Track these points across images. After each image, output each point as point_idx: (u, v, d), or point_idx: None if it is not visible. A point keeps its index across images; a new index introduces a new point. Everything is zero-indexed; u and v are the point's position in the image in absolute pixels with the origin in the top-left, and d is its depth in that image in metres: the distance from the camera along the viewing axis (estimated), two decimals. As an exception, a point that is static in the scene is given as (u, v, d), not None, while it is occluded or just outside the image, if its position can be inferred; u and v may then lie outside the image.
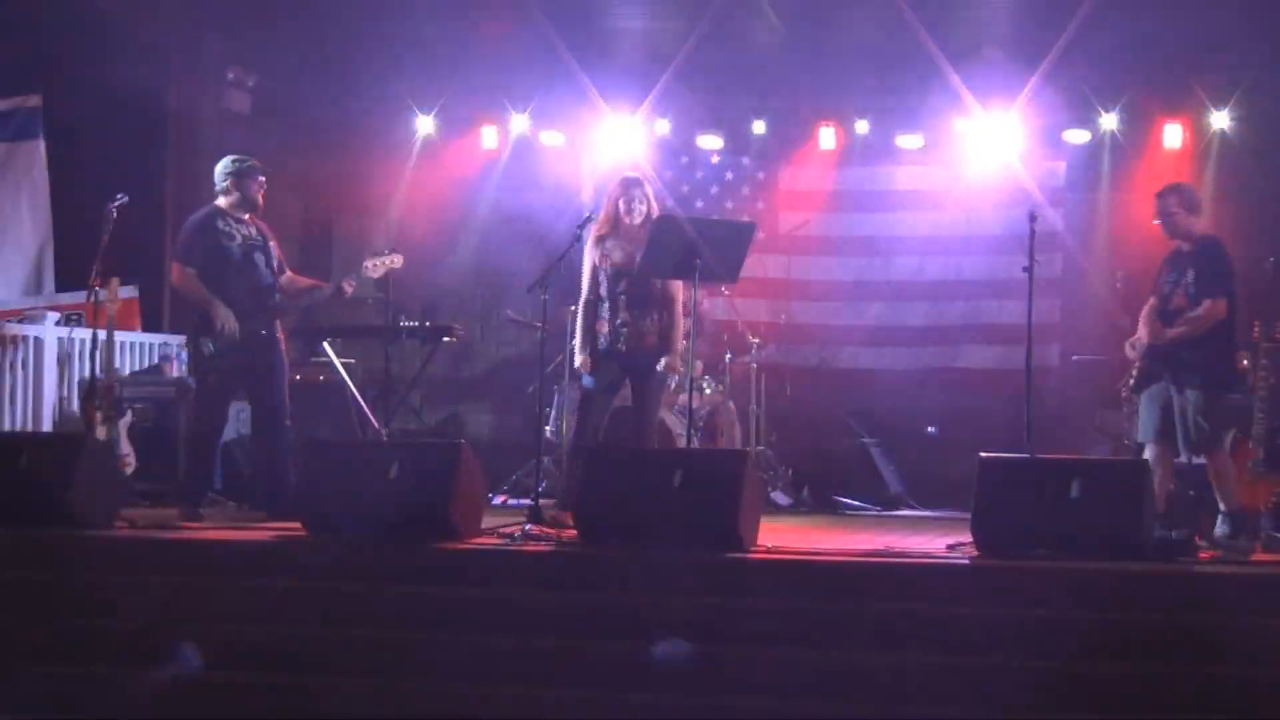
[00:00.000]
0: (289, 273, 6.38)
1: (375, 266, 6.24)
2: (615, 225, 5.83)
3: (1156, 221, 5.73)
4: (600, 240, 5.87)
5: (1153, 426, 5.60)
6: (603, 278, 5.86)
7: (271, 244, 6.24)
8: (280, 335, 6.20)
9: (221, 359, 5.91)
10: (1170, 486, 5.67)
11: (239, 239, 6.07)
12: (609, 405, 6.06)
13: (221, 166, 6.14)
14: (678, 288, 5.98)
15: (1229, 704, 3.84)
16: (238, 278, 6.02)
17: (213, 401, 6.10)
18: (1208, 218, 7.40)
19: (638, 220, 5.80)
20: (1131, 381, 5.77)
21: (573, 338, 6.19)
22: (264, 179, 6.18)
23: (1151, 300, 5.78)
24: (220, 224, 6.04)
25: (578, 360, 5.93)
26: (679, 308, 5.96)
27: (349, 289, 6.32)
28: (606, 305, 5.85)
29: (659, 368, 5.85)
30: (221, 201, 6.11)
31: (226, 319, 5.87)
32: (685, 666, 4.02)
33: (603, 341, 5.83)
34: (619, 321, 5.81)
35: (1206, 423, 5.41)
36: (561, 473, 6.72)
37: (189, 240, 6.09)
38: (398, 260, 6.31)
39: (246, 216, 6.14)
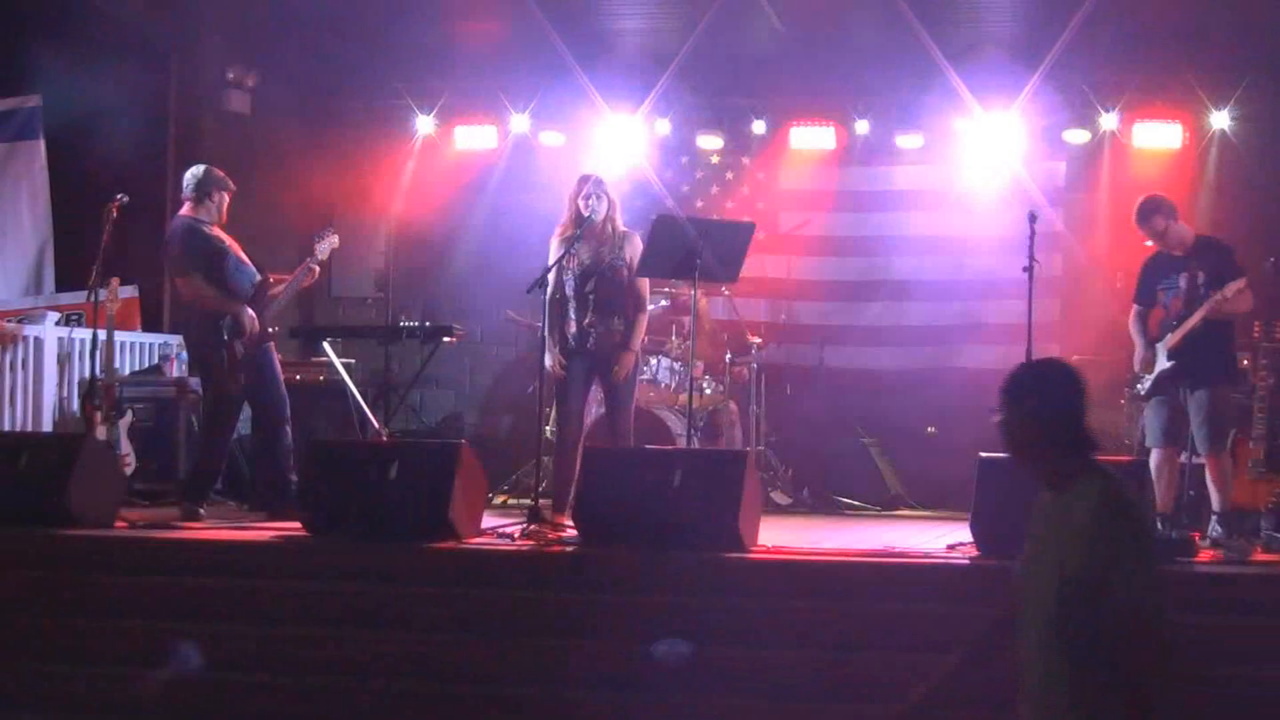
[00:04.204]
0: None
1: (322, 250, 6.25)
2: (578, 224, 5.80)
3: (1149, 243, 5.80)
4: (565, 239, 5.83)
5: (1161, 431, 5.65)
6: (568, 277, 5.84)
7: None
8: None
9: (246, 359, 5.91)
10: (1176, 490, 5.69)
11: (226, 242, 6.07)
12: (584, 399, 6.04)
13: (203, 174, 6.05)
14: (644, 287, 5.98)
15: (1231, 705, 3.84)
16: (238, 276, 6.02)
17: (234, 403, 6.07)
18: (1206, 217, 7.43)
19: (599, 217, 5.77)
20: (1143, 388, 5.78)
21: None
22: (230, 195, 6.14)
23: (1136, 308, 5.86)
24: (205, 229, 6.00)
25: (547, 361, 5.89)
26: (645, 307, 5.98)
27: (314, 273, 6.29)
28: (573, 305, 5.84)
29: (614, 376, 5.82)
30: (192, 210, 6.03)
31: (252, 320, 5.88)
32: (684, 665, 4.02)
33: (571, 341, 5.83)
34: (586, 321, 5.80)
35: (1222, 419, 5.50)
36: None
37: (189, 249, 5.97)
38: (336, 240, 6.35)
39: (214, 224, 6.09)
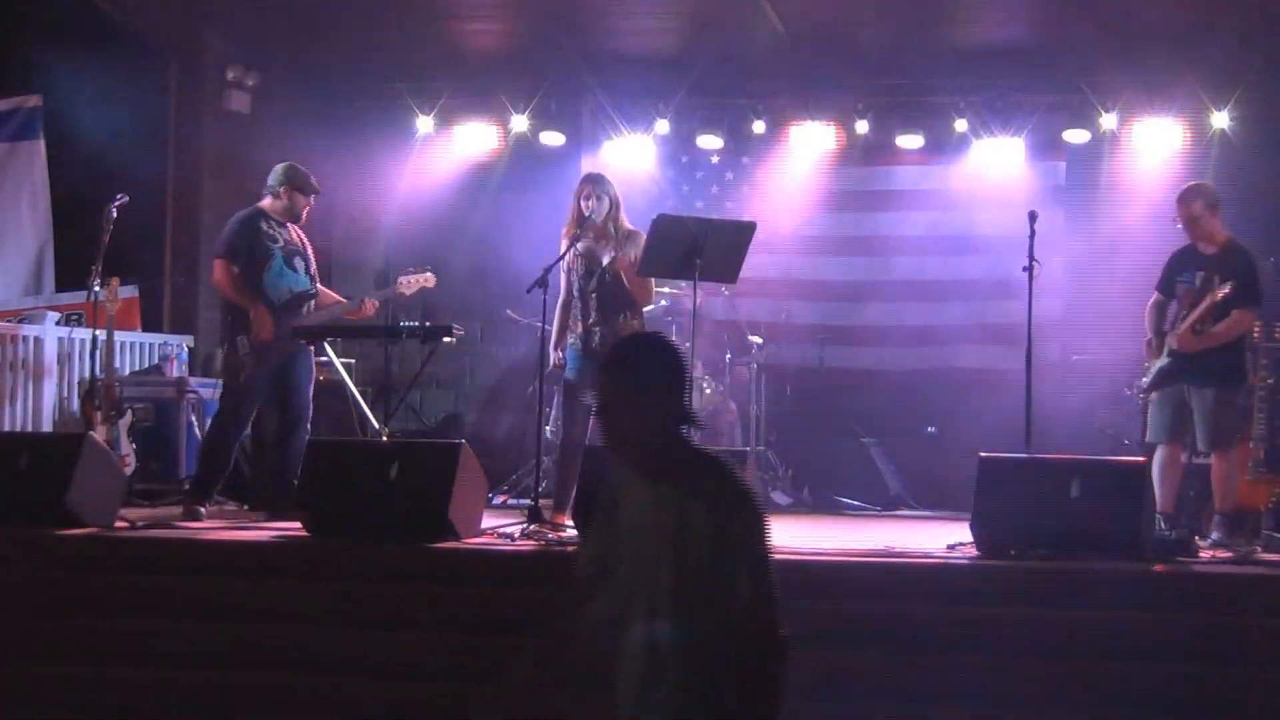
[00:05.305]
0: (319, 286, 6.39)
1: (409, 284, 6.23)
2: (580, 223, 5.76)
3: (1179, 225, 5.72)
4: (570, 239, 5.81)
5: (1164, 426, 5.61)
6: (574, 277, 5.82)
7: (310, 253, 6.25)
8: (310, 342, 6.20)
9: (257, 360, 5.90)
10: (1177, 489, 5.66)
11: (281, 242, 6.07)
12: (592, 403, 6.02)
13: (281, 171, 6.09)
14: (649, 287, 5.98)
15: (1230, 705, 3.84)
16: (279, 280, 6.02)
17: (241, 401, 6.05)
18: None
19: (599, 217, 5.74)
20: (1146, 381, 5.76)
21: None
22: (313, 200, 6.18)
23: (1156, 295, 5.81)
24: (264, 225, 6.03)
25: (552, 359, 5.90)
26: (647, 303, 5.97)
27: (373, 308, 6.32)
28: (578, 305, 5.81)
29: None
30: (266, 204, 6.10)
31: (263, 324, 5.85)
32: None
33: (579, 342, 5.79)
34: (591, 321, 5.78)
35: (1225, 419, 5.46)
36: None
37: (235, 238, 6.01)
38: (430, 280, 6.30)
39: (287, 224, 6.13)
